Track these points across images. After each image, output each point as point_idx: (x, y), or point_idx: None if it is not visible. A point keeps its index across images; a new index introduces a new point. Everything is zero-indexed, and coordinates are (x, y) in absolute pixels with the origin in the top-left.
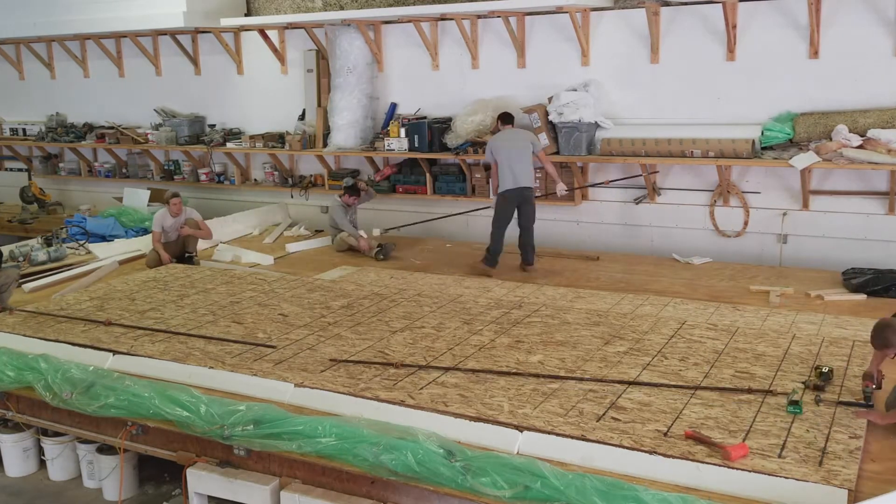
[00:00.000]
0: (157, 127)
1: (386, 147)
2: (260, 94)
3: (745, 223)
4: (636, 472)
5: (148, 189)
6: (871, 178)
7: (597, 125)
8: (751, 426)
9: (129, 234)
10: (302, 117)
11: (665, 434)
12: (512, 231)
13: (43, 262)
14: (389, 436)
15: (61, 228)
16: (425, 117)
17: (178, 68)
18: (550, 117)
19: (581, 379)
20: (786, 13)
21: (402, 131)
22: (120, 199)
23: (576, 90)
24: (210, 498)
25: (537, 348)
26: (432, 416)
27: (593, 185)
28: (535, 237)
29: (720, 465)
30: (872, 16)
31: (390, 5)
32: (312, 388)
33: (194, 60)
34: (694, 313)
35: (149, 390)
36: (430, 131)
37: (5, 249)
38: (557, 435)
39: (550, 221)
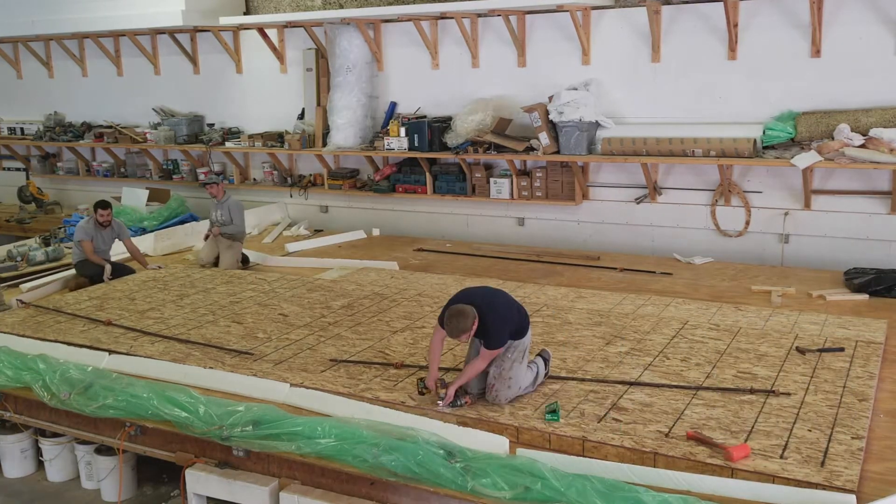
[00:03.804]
0: (155, 126)
1: (386, 146)
2: (259, 93)
3: (747, 223)
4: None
5: (146, 189)
6: (873, 177)
7: (597, 124)
8: (753, 427)
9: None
10: (301, 116)
11: (667, 435)
12: None
13: (41, 262)
14: (389, 436)
15: (59, 228)
16: (425, 116)
17: (177, 67)
18: (551, 116)
19: (582, 379)
20: (787, 12)
21: (402, 130)
22: (118, 199)
23: (576, 89)
24: (209, 499)
25: (538, 348)
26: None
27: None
28: (535, 237)
29: (722, 466)
30: (874, 14)
31: (390, 4)
32: (311, 387)
33: (193, 59)
34: (696, 313)
35: (147, 391)
36: (430, 130)
37: (3, 249)
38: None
39: (551, 221)
